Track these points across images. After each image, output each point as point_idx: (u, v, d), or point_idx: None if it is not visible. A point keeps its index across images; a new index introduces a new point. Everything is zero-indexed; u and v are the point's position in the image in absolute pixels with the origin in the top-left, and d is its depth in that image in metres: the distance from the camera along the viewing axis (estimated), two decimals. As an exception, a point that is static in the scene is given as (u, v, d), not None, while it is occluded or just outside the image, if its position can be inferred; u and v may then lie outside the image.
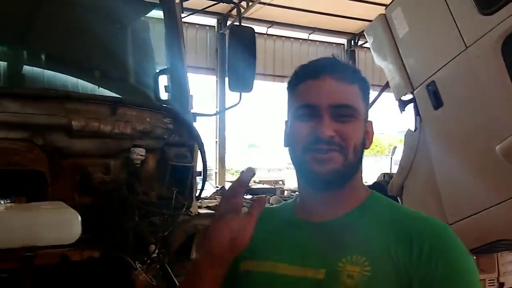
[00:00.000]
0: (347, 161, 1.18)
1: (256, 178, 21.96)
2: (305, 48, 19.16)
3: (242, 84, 3.23)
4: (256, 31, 3.39)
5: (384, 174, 5.27)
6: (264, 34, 17.84)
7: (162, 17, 3.37)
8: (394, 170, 5.13)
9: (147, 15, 3.68)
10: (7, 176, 2.27)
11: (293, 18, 17.23)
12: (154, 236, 2.46)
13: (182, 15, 3.64)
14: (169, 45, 3.35)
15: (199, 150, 3.08)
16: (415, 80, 3.81)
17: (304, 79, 1.22)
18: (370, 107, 1.32)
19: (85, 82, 3.33)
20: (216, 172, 17.59)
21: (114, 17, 3.43)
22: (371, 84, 1.30)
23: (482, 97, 3.21)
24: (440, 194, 3.63)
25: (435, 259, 1.08)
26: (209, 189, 11.66)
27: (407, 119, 3.99)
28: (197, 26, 17.19)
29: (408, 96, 3.93)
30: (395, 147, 16.37)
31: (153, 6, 3.47)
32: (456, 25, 3.31)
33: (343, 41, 19.82)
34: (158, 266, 2.18)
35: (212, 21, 17.49)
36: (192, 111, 3.32)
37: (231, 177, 20.34)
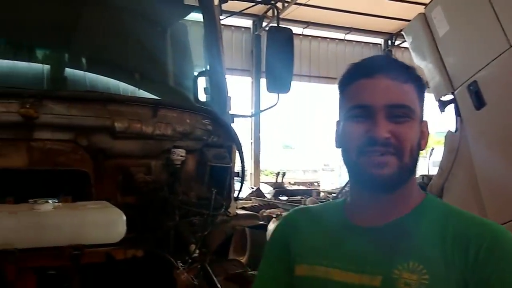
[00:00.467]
0: (403, 164, 1.13)
1: (291, 179, 21.94)
2: (341, 48, 19.00)
3: (280, 85, 3.23)
4: (291, 32, 3.39)
5: (423, 176, 5.18)
6: (300, 34, 17.77)
7: (201, 19, 3.40)
8: (432, 171, 5.04)
9: (186, 18, 3.72)
10: (53, 176, 2.35)
11: (329, 18, 17.11)
12: (194, 236, 2.49)
13: (220, 17, 3.67)
14: (208, 47, 3.39)
15: (237, 151, 3.10)
16: (456, 80, 3.74)
17: (357, 78, 1.17)
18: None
19: (126, 84, 3.40)
20: (251, 173, 17.62)
21: (154, 20, 3.49)
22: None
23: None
24: (482, 197, 3.54)
25: (491, 263, 1.03)
26: (245, 190, 11.69)
27: (447, 120, 3.91)
28: (232, 28, 17.27)
29: (448, 97, 3.86)
30: (433, 149, 16.03)
31: (192, 8, 3.51)
32: (500, 23, 3.22)
33: (380, 41, 19.56)
34: (199, 266, 2.20)
35: (248, 22, 17.54)
36: (230, 112, 3.34)
37: (266, 178, 20.35)
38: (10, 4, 3.05)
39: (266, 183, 16.44)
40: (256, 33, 17.25)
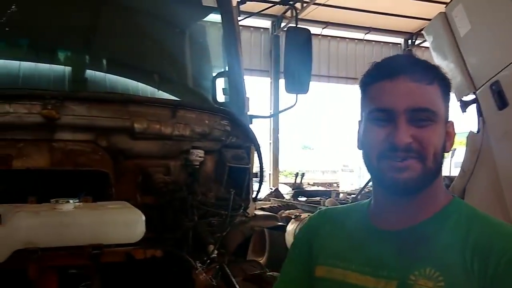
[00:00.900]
0: (426, 169, 1.10)
1: (310, 180, 21.88)
2: (360, 48, 18.87)
3: (299, 85, 3.23)
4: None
5: (445, 177, 5.11)
6: (319, 35, 17.70)
7: (220, 20, 3.41)
8: (454, 173, 4.98)
9: (204, 19, 3.74)
10: (73, 176, 2.38)
11: (348, 18, 17.00)
12: (213, 236, 2.50)
13: (238, 18, 3.68)
14: (227, 48, 3.40)
15: (255, 152, 3.10)
16: (478, 80, 3.69)
17: (378, 79, 1.14)
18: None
19: (145, 85, 3.43)
20: (269, 174, 17.61)
21: (173, 21, 3.51)
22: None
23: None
24: (504, 198, 3.49)
25: (511, 277, 0.99)
26: (264, 191, 11.68)
27: (469, 121, 3.86)
28: (251, 28, 17.29)
29: (470, 97, 3.81)
30: (454, 149, 15.82)
31: (211, 10, 3.52)
32: (523, 21, 3.18)
33: (400, 40, 19.37)
34: (217, 266, 2.21)
35: (266, 23, 17.55)
36: (248, 113, 3.35)
37: (284, 179, 20.32)
38: (31, 7, 3.10)
39: (285, 183, 16.42)
40: (275, 33, 17.24)
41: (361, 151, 1.19)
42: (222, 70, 3.40)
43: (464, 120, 3.92)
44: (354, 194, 9.43)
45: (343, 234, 1.24)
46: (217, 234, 2.54)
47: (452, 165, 13.28)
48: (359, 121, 1.21)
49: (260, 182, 3.21)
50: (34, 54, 3.20)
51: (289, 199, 10.41)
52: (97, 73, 3.44)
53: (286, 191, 12.70)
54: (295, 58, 3.20)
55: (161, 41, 3.38)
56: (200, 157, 2.72)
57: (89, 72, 3.43)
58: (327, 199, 9.70)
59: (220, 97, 3.27)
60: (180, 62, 3.50)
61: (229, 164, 2.85)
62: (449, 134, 1.16)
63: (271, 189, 12.59)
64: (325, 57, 18.20)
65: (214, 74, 3.40)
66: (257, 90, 18.09)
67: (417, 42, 18.60)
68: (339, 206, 1.49)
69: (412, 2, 15.41)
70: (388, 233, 1.16)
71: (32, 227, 1.78)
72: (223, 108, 3.07)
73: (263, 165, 3.20)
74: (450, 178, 4.56)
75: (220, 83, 3.34)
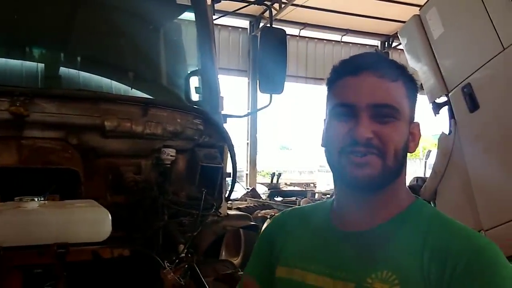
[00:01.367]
0: (386, 166, 1.08)
1: (287, 180, 21.96)
2: (338, 50, 19.01)
3: (273, 85, 3.22)
4: (288, 33, 3.39)
5: (417, 178, 5.18)
6: (297, 36, 17.79)
7: (194, 19, 3.39)
8: (428, 174, 5.04)
9: (179, 17, 3.71)
10: (42, 174, 2.34)
11: (326, 20, 17.11)
12: (183, 236, 2.48)
13: (214, 17, 3.66)
14: (201, 47, 3.38)
15: (229, 152, 3.09)
16: (450, 82, 3.74)
17: (343, 76, 1.12)
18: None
19: (119, 83, 3.39)
20: (247, 174, 17.62)
21: (147, 19, 3.48)
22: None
23: (520, 100, 3.13)
24: (475, 199, 3.54)
25: (467, 282, 0.97)
26: (240, 191, 11.69)
27: (441, 122, 3.91)
28: (229, 28, 17.28)
29: (443, 99, 3.86)
30: (429, 151, 16.05)
31: (185, 8, 3.50)
32: (493, 25, 3.23)
33: (377, 42, 19.59)
34: (186, 266, 2.19)
35: (245, 23, 17.55)
36: (222, 112, 3.33)
37: (262, 179, 20.35)
38: (3, 2, 3.04)
39: (262, 184, 16.45)
40: (253, 33, 17.25)
41: (324, 149, 1.17)
42: (196, 68, 3.37)
43: (438, 123, 3.98)
44: (329, 194, 9.52)
45: (304, 235, 1.23)
46: (188, 234, 2.52)
47: (426, 166, 13.47)
48: (324, 119, 1.20)
49: (233, 182, 3.20)
50: (6, 51, 3.15)
51: (265, 199, 10.45)
52: (70, 70, 3.40)
53: (262, 191, 12.73)
54: (270, 58, 3.19)
55: (134, 39, 3.35)
56: (171, 156, 2.70)
57: (62, 70, 3.39)
58: (302, 199, 9.77)
59: (194, 96, 3.25)
60: (154, 60, 3.47)
61: (202, 163, 2.84)
62: (413, 135, 1.14)
63: (248, 189, 12.60)
64: (303, 58, 18.30)
65: (188, 73, 3.37)
66: (235, 90, 18.09)
67: (394, 44, 18.84)
68: (303, 205, 1.48)
69: (389, 5, 15.60)
70: (348, 234, 1.14)
71: (-6, 225, 1.74)
72: (196, 107, 3.06)
73: (237, 164, 3.18)
74: (423, 179, 4.62)
75: (195, 82, 3.32)
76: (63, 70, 3.37)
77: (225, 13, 4.87)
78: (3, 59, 3.14)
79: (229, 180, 3.28)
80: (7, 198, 2.00)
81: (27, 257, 1.85)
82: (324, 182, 19.73)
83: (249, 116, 15.86)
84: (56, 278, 1.90)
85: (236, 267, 3.06)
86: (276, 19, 14.73)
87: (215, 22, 3.64)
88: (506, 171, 3.30)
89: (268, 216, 7.07)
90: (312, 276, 1.14)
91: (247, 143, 17.51)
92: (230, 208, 5.38)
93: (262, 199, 10.49)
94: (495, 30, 3.22)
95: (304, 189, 14.64)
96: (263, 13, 16.61)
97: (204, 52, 3.34)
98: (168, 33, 3.66)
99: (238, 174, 3.26)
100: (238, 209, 7.41)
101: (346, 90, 1.11)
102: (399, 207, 1.14)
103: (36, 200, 1.86)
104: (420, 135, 1.17)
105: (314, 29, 18.02)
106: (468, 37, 3.61)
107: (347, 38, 18.93)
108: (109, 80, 3.41)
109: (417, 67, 4.06)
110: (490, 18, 3.25)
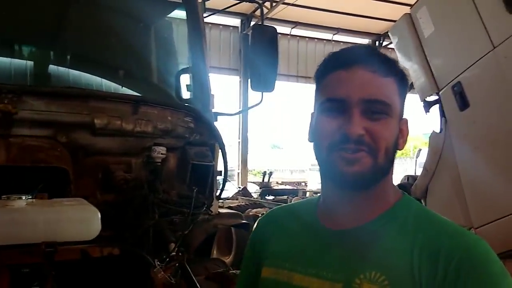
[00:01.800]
0: (377, 164, 1.05)
1: (278, 179, 21.99)
2: (329, 48, 19.01)
3: (264, 83, 3.21)
4: (279, 31, 3.38)
5: (408, 177, 5.20)
6: (288, 34, 17.79)
7: (185, 16, 3.37)
8: (419, 172, 5.07)
9: (170, 15, 3.70)
10: (31, 172, 2.31)
11: (317, 18, 17.14)
12: (174, 234, 2.46)
13: (205, 15, 3.65)
14: (191, 45, 3.36)
15: (220, 150, 3.08)
16: (441, 81, 3.75)
17: (333, 69, 1.09)
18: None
19: (109, 81, 3.36)
20: (238, 173, 17.61)
21: (137, 17, 3.46)
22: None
23: (510, 98, 3.14)
24: (465, 197, 3.56)
25: (462, 279, 0.94)
26: (231, 190, 11.68)
27: (432, 121, 3.93)
28: (220, 26, 17.25)
29: (433, 97, 3.87)
30: (420, 150, 16.16)
31: (176, 6, 3.48)
32: (484, 24, 3.24)
33: (368, 41, 19.63)
34: (177, 265, 2.18)
35: (236, 21, 17.53)
36: (213, 110, 3.32)
37: (253, 178, 20.36)
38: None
39: (253, 182, 16.46)
40: (244, 32, 17.21)
41: (311, 144, 1.14)
42: (187, 66, 3.36)
43: (429, 122, 3.99)
44: (320, 192, 9.53)
45: (290, 234, 1.20)
46: (179, 232, 2.50)
47: (417, 165, 13.55)
48: (312, 113, 1.16)
49: (224, 180, 3.19)
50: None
51: (256, 198, 10.45)
52: (60, 68, 3.38)
53: (254, 190, 12.73)
54: (261, 56, 3.18)
55: (125, 37, 3.33)
56: (162, 154, 2.68)
57: (52, 67, 3.36)
58: (293, 197, 9.77)
59: (185, 94, 3.24)
60: (144, 57, 3.45)
61: (193, 161, 2.82)
62: (402, 132, 1.12)
63: (239, 188, 12.60)
64: (294, 57, 18.31)
65: (178, 70, 3.35)
66: (226, 88, 18.07)
67: (384, 43, 18.89)
68: (289, 204, 1.45)
69: (381, 4, 15.65)
70: (335, 233, 1.12)
71: (-19, 224, 1.71)
72: (186, 105, 3.04)
73: (228, 162, 3.17)
74: (414, 177, 4.64)
75: (185, 80, 3.31)
76: (52, 68, 3.34)
77: (216, 11, 4.85)
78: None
79: (220, 178, 3.27)
80: (-5, 197, 1.98)
81: (15, 256, 1.83)
82: (315, 181, 19.77)
83: (240, 114, 15.87)
84: (44, 277, 1.88)
85: (227, 266, 3.06)
86: (267, 17, 14.72)
87: (205, 20, 3.62)
88: (496, 169, 3.32)
89: (260, 215, 7.05)
90: (298, 276, 1.10)
91: (238, 142, 17.50)
92: (221, 207, 5.36)
93: (254, 198, 10.49)
94: (485, 28, 3.23)
95: (295, 188, 14.66)
96: (254, 11, 16.60)
97: (195, 49, 3.33)
98: (159, 31, 3.64)
99: (229, 173, 3.25)
100: (230, 208, 7.39)
101: (337, 84, 1.07)
102: (386, 205, 1.12)
103: (23, 198, 1.83)
104: (408, 132, 1.14)
105: (305, 27, 18.04)
106: (458, 36, 3.63)
107: (338, 37, 18.96)
108: (99, 78, 3.39)
109: (408, 65, 4.07)
110: (481, 17, 3.26)
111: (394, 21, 4.81)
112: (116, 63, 3.36)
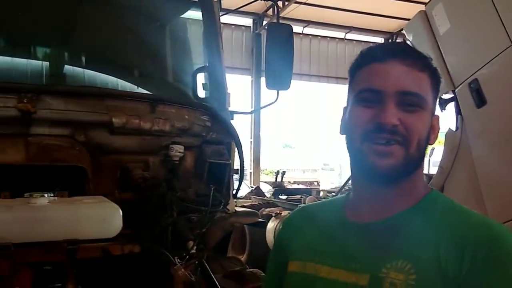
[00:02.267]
0: (409, 156, 1.07)
1: (291, 179, 21.92)
2: (341, 47, 18.97)
3: (280, 82, 3.21)
4: (291, 30, 3.36)
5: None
6: (300, 33, 17.74)
7: (201, 16, 3.38)
8: (432, 171, 5.03)
9: (185, 15, 3.70)
10: (50, 171, 2.33)
11: (329, 17, 17.09)
12: (192, 232, 2.47)
13: (219, 13, 3.65)
14: (207, 43, 3.37)
15: (236, 148, 3.08)
16: (457, 78, 3.72)
17: (369, 62, 1.11)
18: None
19: (124, 80, 3.38)
20: (250, 172, 17.59)
21: (153, 16, 3.47)
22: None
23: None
24: (482, 196, 3.52)
25: (488, 272, 0.95)
26: (244, 189, 11.66)
27: (448, 119, 3.89)
28: (232, 26, 17.25)
29: (449, 95, 3.84)
30: (433, 148, 16.01)
31: (192, 4, 3.49)
32: (501, 20, 3.21)
33: (381, 40, 19.50)
34: (196, 262, 2.18)
35: (248, 21, 17.53)
36: (229, 109, 3.33)
37: (265, 178, 20.33)
38: (8, 1, 3.03)
39: (265, 182, 16.42)
40: (257, 31, 17.21)
41: (344, 136, 1.16)
42: (203, 65, 3.36)
43: (444, 119, 3.96)
44: (334, 192, 9.49)
45: (318, 229, 1.22)
46: (196, 230, 2.51)
47: (430, 164, 13.44)
48: (345, 108, 1.18)
49: (241, 179, 3.19)
50: (12, 48, 3.15)
51: (269, 197, 10.43)
52: (75, 68, 3.40)
53: (267, 190, 12.71)
54: (276, 54, 3.18)
55: (141, 36, 3.35)
56: (180, 152, 2.69)
57: (68, 67, 3.38)
58: (307, 197, 9.74)
59: (201, 93, 3.24)
60: (160, 57, 3.46)
61: (209, 160, 2.83)
62: (434, 128, 1.14)
63: (252, 187, 12.58)
64: (306, 56, 18.25)
65: (194, 69, 3.36)
66: (238, 88, 18.06)
67: (397, 42, 18.78)
68: (318, 202, 1.48)
69: (393, 2, 15.56)
70: (362, 226, 1.13)
71: (4, 222, 1.73)
72: (203, 104, 3.05)
73: (244, 161, 3.17)
74: (429, 176, 4.60)
75: (201, 79, 3.31)
76: (68, 68, 3.37)
77: (228, 11, 4.86)
78: (9, 57, 3.14)
79: (236, 176, 3.27)
80: (15, 196, 1.99)
81: (37, 254, 1.84)
82: (327, 180, 19.71)
83: (253, 114, 15.85)
84: (65, 275, 1.90)
85: (243, 264, 3.06)
86: (279, 16, 14.71)
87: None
88: (513, 167, 3.28)
89: (273, 214, 7.05)
90: (325, 268, 1.12)
91: (251, 142, 17.49)
92: (235, 206, 5.37)
93: (267, 197, 10.47)
94: (503, 24, 3.20)
95: (308, 187, 14.61)
96: (266, 11, 16.59)
97: (211, 48, 3.33)
98: (175, 30, 3.65)
99: (244, 170, 3.25)
100: (243, 207, 7.39)
101: (373, 76, 1.10)
102: (416, 197, 1.13)
103: (46, 196, 1.85)
104: (439, 129, 1.16)
105: (317, 26, 17.98)
106: (475, 32, 3.59)
107: (351, 36, 18.88)
108: (114, 78, 3.40)
109: (424, 63, 4.04)
110: (498, 13, 3.23)
111: (407, 19, 4.79)
112: (132, 63, 3.38)
